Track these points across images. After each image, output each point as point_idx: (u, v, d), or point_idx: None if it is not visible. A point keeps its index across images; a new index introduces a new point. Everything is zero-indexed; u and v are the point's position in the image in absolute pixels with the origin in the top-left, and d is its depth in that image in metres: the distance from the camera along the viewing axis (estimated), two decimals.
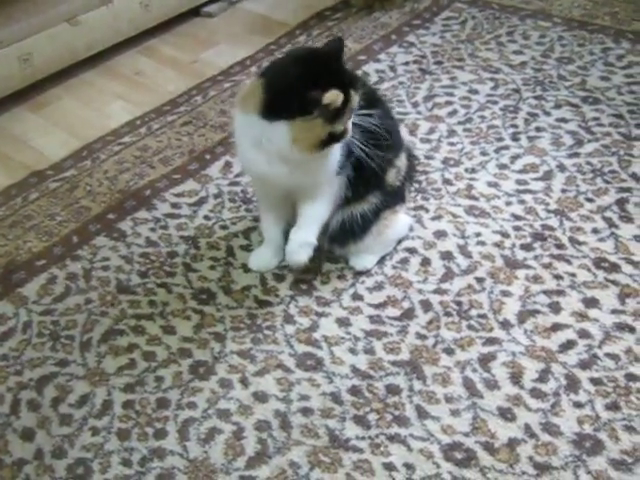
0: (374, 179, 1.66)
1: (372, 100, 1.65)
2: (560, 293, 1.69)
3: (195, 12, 2.93)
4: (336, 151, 1.57)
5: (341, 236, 1.71)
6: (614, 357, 1.55)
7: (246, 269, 1.81)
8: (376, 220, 1.71)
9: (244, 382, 1.56)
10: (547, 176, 2.01)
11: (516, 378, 1.52)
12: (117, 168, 2.17)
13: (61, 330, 1.70)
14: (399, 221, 1.80)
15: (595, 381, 1.51)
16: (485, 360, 1.56)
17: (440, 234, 1.86)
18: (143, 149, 2.24)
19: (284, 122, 1.47)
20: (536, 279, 1.73)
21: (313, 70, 1.49)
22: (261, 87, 1.50)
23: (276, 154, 1.52)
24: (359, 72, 2.45)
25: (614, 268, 1.74)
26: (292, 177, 1.56)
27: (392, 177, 1.70)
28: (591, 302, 1.67)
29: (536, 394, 1.49)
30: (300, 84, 1.46)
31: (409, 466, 1.40)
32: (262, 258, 1.80)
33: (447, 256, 1.80)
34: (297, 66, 1.51)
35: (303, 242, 1.65)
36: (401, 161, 1.74)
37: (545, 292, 1.70)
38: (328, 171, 1.59)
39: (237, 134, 1.60)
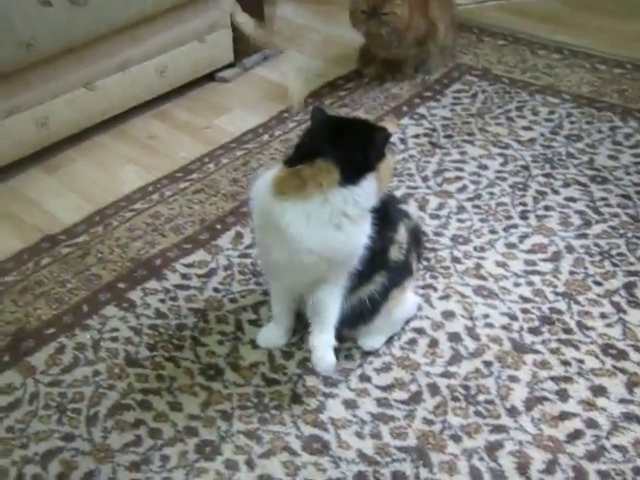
0: (378, 259, 1.67)
1: None
2: (568, 380, 1.69)
3: (210, 77, 2.98)
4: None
5: (351, 320, 1.72)
6: (622, 449, 1.55)
7: (254, 345, 1.81)
8: (385, 300, 1.71)
9: (250, 464, 1.55)
10: (555, 257, 2.02)
11: (523, 469, 1.52)
12: (129, 235, 2.19)
13: (68, 403, 1.70)
14: (408, 300, 1.80)
15: (603, 474, 1.50)
16: (492, 449, 1.56)
17: (448, 314, 1.87)
18: (155, 216, 2.26)
19: (370, 174, 1.53)
20: (544, 365, 1.73)
21: (344, 119, 1.60)
22: (327, 162, 1.50)
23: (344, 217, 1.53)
24: None
25: (622, 355, 1.74)
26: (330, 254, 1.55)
27: (395, 253, 1.71)
28: (599, 390, 1.67)
29: None
30: (358, 134, 1.53)
31: None
32: (271, 336, 1.80)
33: (455, 338, 1.81)
34: (338, 123, 1.61)
35: (325, 346, 1.63)
36: (401, 235, 1.72)
37: (553, 378, 1.70)
38: (362, 239, 1.59)
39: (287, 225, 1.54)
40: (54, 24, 2.33)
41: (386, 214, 1.68)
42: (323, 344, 1.64)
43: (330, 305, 1.65)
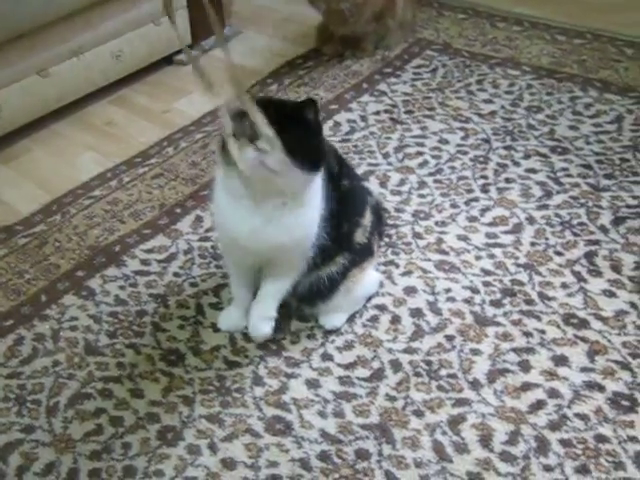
0: (344, 243, 1.67)
1: (338, 161, 1.68)
2: (529, 351, 1.69)
3: (168, 61, 2.93)
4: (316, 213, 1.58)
5: (309, 297, 1.71)
6: (584, 417, 1.55)
7: (215, 328, 1.79)
8: (344, 279, 1.70)
9: (212, 448, 1.54)
10: (516, 229, 2.02)
11: (486, 441, 1.52)
12: (87, 223, 2.15)
13: (27, 394, 1.67)
14: (368, 278, 1.80)
15: (565, 443, 1.51)
16: (455, 422, 1.55)
17: (410, 290, 1.86)
18: (113, 203, 2.23)
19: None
20: (506, 337, 1.73)
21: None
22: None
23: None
24: (331, 122, 2.47)
25: (583, 324, 1.75)
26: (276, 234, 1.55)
27: (359, 236, 1.71)
28: (560, 360, 1.67)
29: (506, 457, 1.48)
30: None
31: None
32: (231, 318, 1.78)
33: (417, 313, 1.80)
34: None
35: (264, 316, 1.68)
36: (366, 219, 1.73)
37: (515, 350, 1.70)
38: (310, 231, 1.59)
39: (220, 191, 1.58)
40: None
41: (354, 197, 1.69)
42: (261, 313, 1.69)
43: (279, 282, 1.65)
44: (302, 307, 1.77)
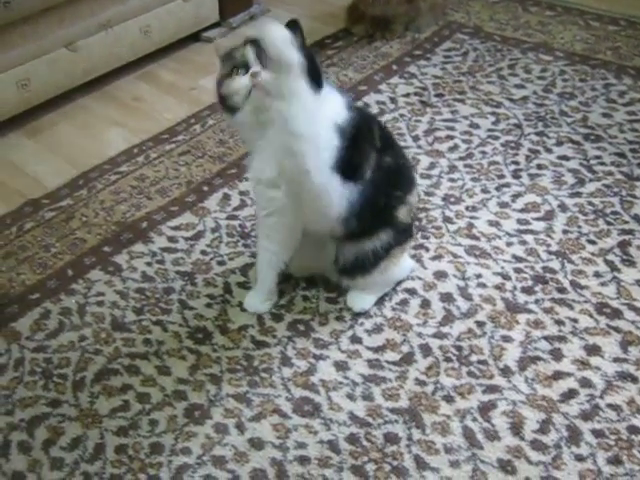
0: (384, 215, 1.66)
1: (385, 138, 1.68)
2: (561, 339, 1.67)
3: (195, 37, 2.91)
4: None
5: (352, 270, 1.71)
6: (616, 408, 1.53)
7: (243, 308, 1.78)
8: (386, 257, 1.69)
9: (240, 427, 1.53)
10: (548, 216, 1.99)
11: (517, 428, 1.50)
12: (114, 198, 2.14)
13: (54, 368, 1.67)
14: (405, 262, 1.79)
15: (597, 433, 1.49)
16: (485, 409, 1.54)
17: (440, 275, 1.84)
18: (140, 179, 2.21)
19: None
20: (537, 324, 1.70)
21: None
22: None
23: None
24: (360, 103, 2.44)
25: (616, 314, 1.72)
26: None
27: (404, 214, 1.70)
28: (593, 349, 1.65)
29: (537, 446, 1.47)
30: None
31: None
32: (255, 301, 1.78)
33: (447, 298, 1.78)
34: None
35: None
36: (414, 198, 1.73)
37: (546, 338, 1.67)
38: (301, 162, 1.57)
39: None
40: None
41: (403, 173, 1.70)
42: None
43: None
44: (341, 280, 1.76)
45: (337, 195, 1.59)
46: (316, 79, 1.54)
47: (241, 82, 1.53)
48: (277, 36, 1.50)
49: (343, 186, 1.59)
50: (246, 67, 1.53)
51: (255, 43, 1.53)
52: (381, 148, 1.65)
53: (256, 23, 2.99)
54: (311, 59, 1.54)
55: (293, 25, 1.55)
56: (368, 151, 1.62)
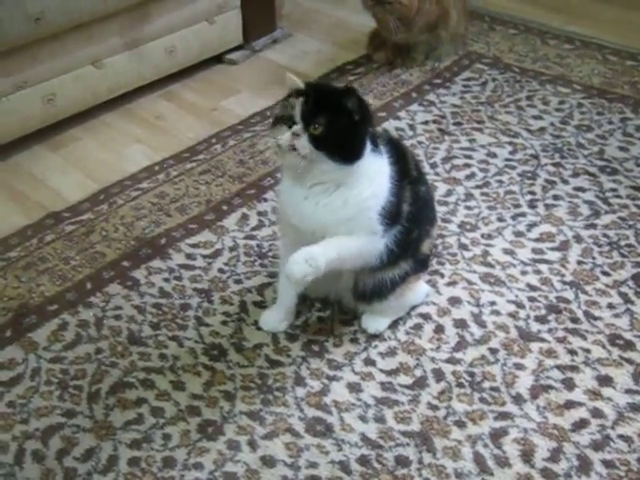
0: (411, 249, 1.68)
1: (418, 169, 1.71)
2: (574, 369, 1.68)
3: (218, 59, 2.95)
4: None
5: (369, 297, 1.72)
6: (627, 439, 1.53)
7: (258, 327, 1.80)
8: (402, 283, 1.71)
9: (252, 445, 1.54)
10: (563, 246, 2.00)
11: (527, 456, 1.51)
12: (134, 214, 2.17)
13: (70, 379, 1.69)
14: (420, 287, 1.81)
15: (607, 464, 1.49)
16: (496, 436, 1.54)
17: (455, 301, 1.85)
18: (160, 196, 2.24)
19: None
20: (550, 353, 1.72)
21: None
22: None
23: None
24: (379, 129, 2.46)
25: (629, 346, 1.73)
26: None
27: (426, 246, 1.73)
28: (605, 380, 1.65)
29: (547, 474, 1.47)
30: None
31: None
32: (272, 319, 1.79)
33: (461, 324, 1.79)
34: None
35: (310, 258, 1.51)
36: (435, 230, 1.77)
37: (559, 367, 1.68)
38: (356, 211, 1.57)
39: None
40: None
41: (427, 205, 1.71)
42: (307, 254, 1.53)
43: (345, 238, 1.59)
44: (357, 305, 1.78)
45: (378, 245, 1.61)
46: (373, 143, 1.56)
47: (282, 137, 1.51)
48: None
49: (385, 234, 1.61)
50: (291, 120, 1.51)
51: (307, 94, 1.51)
52: (416, 178, 1.67)
53: (279, 46, 3.04)
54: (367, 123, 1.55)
55: (351, 92, 1.52)
56: (405, 187, 1.63)
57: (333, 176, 1.53)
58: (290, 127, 1.50)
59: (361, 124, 1.53)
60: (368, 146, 1.54)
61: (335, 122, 1.50)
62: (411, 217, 1.63)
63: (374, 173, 1.57)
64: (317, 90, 1.57)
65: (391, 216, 1.59)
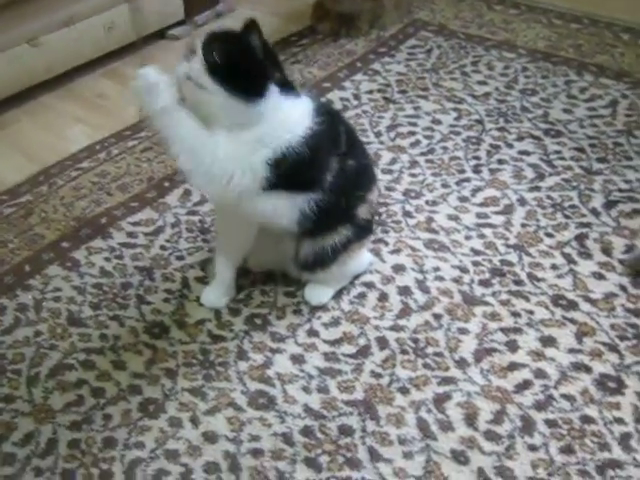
0: (343, 214, 1.66)
1: (350, 141, 1.67)
2: (517, 331, 1.68)
3: (161, 35, 2.90)
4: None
5: (312, 265, 1.70)
6: (570, 398, 1.54)
7: (201, 303, 1.77)
8: (344, 251, 1.69)
9: (194, 421, 1.52)
10: (507, 210, 2.00)
11: (471, 419, 1.50)
12: (74, 194, 2.13)
13: (8, 364, 1.65)
14: (364, 255, 1.79)
15: (550, 423, 1.49)
16: (440, 400, 1.54)
17: (399, 268, 1.84)
18: (101, 175, 2.20)
19: None
20: (494, 316, 1.71)
21: None
22: None
23: None
24: (324, 99, 2.44)
25: (572, 306, 1.73)
26: None
27: (364, 212, 1.70)
28: (548, 341, 1.65)
29: (490, 436, 1.47)
30: None
31: None
32: (212, 295, 1.77)
33: (405, 291, 1.78)
34: None
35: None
36: (374, 195, 1.73)
37: (502, 330, 1.68)
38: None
39: None
40: None
41: (358, 175, 1.67)
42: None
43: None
44: (301, 274, 1.76)
45: (284, 208, 1.58)
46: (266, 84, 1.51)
47: (179, 68, 1.50)
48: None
49: (292, 198, 1.57)
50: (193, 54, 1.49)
51: (210, 33, 1.50)
52: (345, 152, 1.64)
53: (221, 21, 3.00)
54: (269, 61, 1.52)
55: (252, 26, 1.49)
56: (330, 161, 1.59)
57: (232, 115, 1.48)
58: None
59: (259, 60, 1.49)
60: (274, 90, 1.50)
61: (233, 53, 1.48)
62: (336, 188, 1.59)
63: (281, 120, 1.52)
64: (219, 29, 1.55)
65: (297, 180, 1.55)
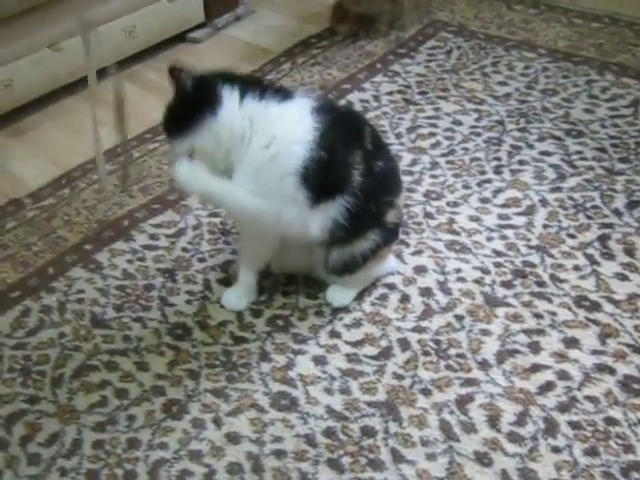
0: (373, 221, 1.66)
1: (376, 143, 1.68)
2: (540, 332, 1.67)
3: (181, 38, 2.92)
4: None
5: (340, 271, 1.71)
6: (593, 400, 1.53)
7: (221, 304, 1.78)
8: (373, 256, 1.70)
9: (217, 422, 1.53)
10: (529, 211, 1.99)
11: (493, 421, 1.50)
12: (96, 197, 2.14)
13: (33, 365, 1.67)
14: (389, 259, 1.80)
15: (574, 425, 1.48)
16: (462, 402, 1.54)
17: (420, 270, 1.84)
18: (123, 178, 2.21)
19: None
20: (516, 318, 1.71)
21: None
22: None
23: None
24: (343, 101, 2.44)
25: (595, 307, 1.72)
26: None
27: (392, 217, 1.70)
28: (571, 342, 1.65)
29: (513, 438, 1.47)
30: None
31: None
32: (233, 297, 1.78)
33: (427, 293, 1.78)
34: None
35: (195, 170, 1.61)
36: (401, 200, 1.74)
37: (525, 331, 1.68)
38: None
39: None
40: None
41: (387, 179, 1.68)
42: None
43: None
44: (330, 278, 1.76)
45: (314, 220, 1.61)
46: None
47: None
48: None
49: (326, 207, 1.59)
50: None
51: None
52: (373, 151, 1.64)
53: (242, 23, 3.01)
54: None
55: (171, 74, 1.70)
56: (352, 154, 1.60)
57: (215, 137, 1.58)
58: None
59: (187, 91, 1.68)
60: (232, 96, 1.59)
61: (172, 110, 1.73)
62: (365, 190, 1.60)
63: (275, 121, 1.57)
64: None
65: (320, 184, 1.57)
